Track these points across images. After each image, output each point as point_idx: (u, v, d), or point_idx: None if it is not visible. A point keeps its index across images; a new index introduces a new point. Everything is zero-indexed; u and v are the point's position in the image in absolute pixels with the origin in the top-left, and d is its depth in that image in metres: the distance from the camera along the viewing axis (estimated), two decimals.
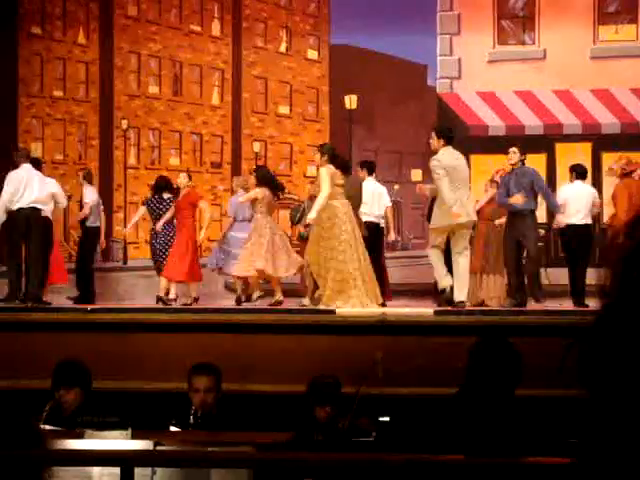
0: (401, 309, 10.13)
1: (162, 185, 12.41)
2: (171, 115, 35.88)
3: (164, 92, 38.19)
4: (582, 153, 18.17)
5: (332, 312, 9.82)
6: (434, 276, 10.46)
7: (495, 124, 19.99)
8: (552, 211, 11.38)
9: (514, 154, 10.81)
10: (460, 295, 9.98)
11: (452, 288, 9.95)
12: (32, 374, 8.18)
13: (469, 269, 10.78)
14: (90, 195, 12.15)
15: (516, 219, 10.69)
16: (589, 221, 11.21)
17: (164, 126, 35.12)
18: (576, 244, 10.91)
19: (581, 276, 10.73)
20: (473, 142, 18.94)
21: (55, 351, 7.63)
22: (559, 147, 18.96)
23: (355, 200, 10.74)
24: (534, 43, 20.63)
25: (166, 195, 12.26)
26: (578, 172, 11.48)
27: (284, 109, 37.96)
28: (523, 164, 10.95)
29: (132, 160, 34.33)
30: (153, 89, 38.19)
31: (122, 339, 9.07)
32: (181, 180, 12.16)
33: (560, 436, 3.52)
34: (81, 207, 12.16)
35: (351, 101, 34.01)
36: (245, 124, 37.12)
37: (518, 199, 10.62)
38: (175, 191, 12.23)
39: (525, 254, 10.73)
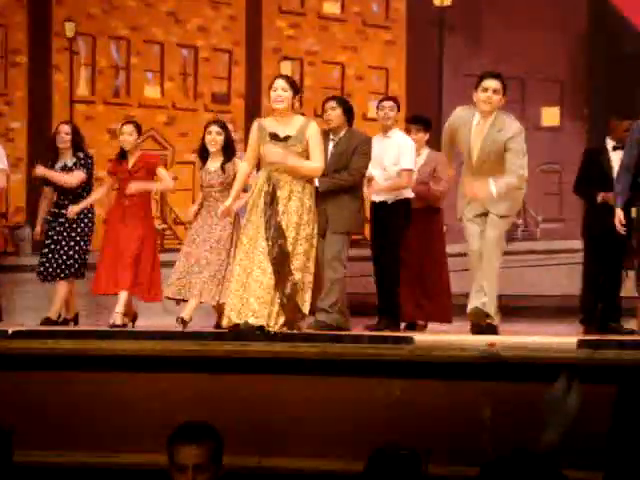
0: (522, 337, 7.75)
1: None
2: (147, 15, 28.49)
3: None
4: None
5: (409, 340, 7.50)
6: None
7: None
8: None
9: None
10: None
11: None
12: None
13: None
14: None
15: None
16: None
17: (135, 33, 27.87)
18: None
19: None
20: None
21: None
22: None
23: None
24: None
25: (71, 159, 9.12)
26: None
27: (332, 7, 30.29)
28: None
29: (83, 90, 26.61)
30: None
31: (60, 383, 7.03)
32: (125, 137, 8.91)
33: None
34: None
35: None
36: (268, 32, 29.61)
37: None
38: (120, 155, 9.03)
39: None
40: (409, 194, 8.65)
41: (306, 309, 7.68)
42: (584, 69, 10.77)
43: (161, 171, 9.05)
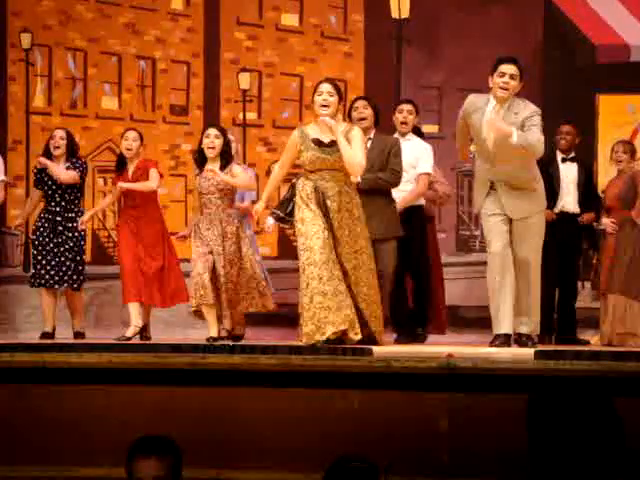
0: (480, 348, 7.64)
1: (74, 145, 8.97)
2: (104, 26, 28.19)
3: None
4: None
5: (367, 352, 7.45)
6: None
7: None
8: None
9: None
10: None
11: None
12: None
13: None
14: None
15: None
16: None
17: (92, 45, 27.57)
18: None
19: None
20: (602, 74, 13.78)
21: None
22: None
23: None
24: None
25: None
26: None
27: (290, 19, 29.98)
28: None
29: (39, 101, 26.37)
30: None
31: (16, 396, 6.87)
32: (130, 143, 8.55)
33: None
34: None
35: (400, 6, 25.04)
36: (226, 44, 29.57)
37: None
38: (120, 160, 8.73)
39: None
40: (422, 201, 8.34)
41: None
42: (539, 81, 10.71)
43: (152, 172, 8.55)
